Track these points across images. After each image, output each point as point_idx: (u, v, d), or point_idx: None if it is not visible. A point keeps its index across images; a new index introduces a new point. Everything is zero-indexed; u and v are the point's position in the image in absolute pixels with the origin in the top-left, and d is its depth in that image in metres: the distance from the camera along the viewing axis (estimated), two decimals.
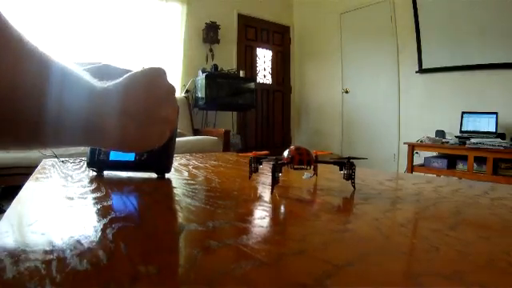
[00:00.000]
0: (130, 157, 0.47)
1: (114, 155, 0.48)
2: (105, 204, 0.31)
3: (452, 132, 3.03)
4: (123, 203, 0.33)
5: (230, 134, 3.12)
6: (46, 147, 0.31)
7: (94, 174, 0.49)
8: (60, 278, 0.16)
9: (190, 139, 2.78)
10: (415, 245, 0.22)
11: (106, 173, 0.49)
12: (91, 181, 0.44)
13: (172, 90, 0.34)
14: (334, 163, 0.42)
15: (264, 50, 4.62)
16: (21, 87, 0.20)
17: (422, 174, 2.80)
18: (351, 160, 0.40)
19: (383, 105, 3.79)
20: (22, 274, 0.16)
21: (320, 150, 0.53)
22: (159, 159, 0.47)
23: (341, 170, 0.41)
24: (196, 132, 3.33)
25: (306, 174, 0.47)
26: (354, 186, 0.39)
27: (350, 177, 0.40)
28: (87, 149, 0.48)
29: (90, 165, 0.49)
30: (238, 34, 4.27)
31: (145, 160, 0.47)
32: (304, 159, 0.39)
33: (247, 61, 4.41)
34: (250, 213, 0.30)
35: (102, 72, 0.35)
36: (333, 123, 4.33)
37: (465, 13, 3.02)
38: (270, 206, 0.32)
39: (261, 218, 0.29)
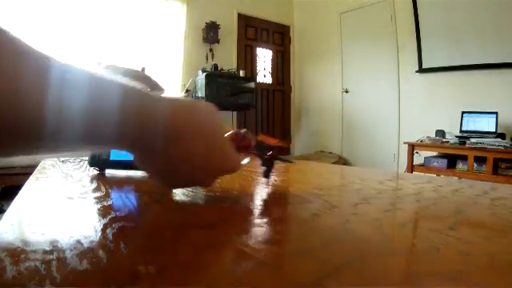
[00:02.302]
0: (131, 156, 0.47)
1: (115, 155, 0.48)
2: (105, 204, 0.31)
3: (452, 132, 3.03)
4: (123, 203, 0.33)
5: None
6: (47, 152, 0.28)
7: (95, 173, 0.49)
8: (60, 277, 0.16)
9: None
10: (415, 244, 0.22)
11: (106, 171, 0.49)
12: (91, 180, 0.44)
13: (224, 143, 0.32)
14: (258, 155, 0.38)
15: (264, 49, 4.62)
16: (21, 90, 0.19)
17: (422, 173, 2.79)
18: (277, 159, 0.37)
19: (383, 104, 3.79)
20: (21, 274, 0.16)
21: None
22: None
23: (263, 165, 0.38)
24: None
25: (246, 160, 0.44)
26: (268, 184, 0.37)
27: (266, 174, 0.37)
28: None
29: (91, 164, 0.49)
30: (237, 33, 4.27)
31: None
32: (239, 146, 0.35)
33: (247, 60, 4.41)
34: (250, 212, 0.30)
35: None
36: (333, 123, 4.32)
37: (465, 13, 3.01)
38: (269, 205, 0.32)
39: (261, 217, 0.29)
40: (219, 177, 0.33)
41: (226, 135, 0.35)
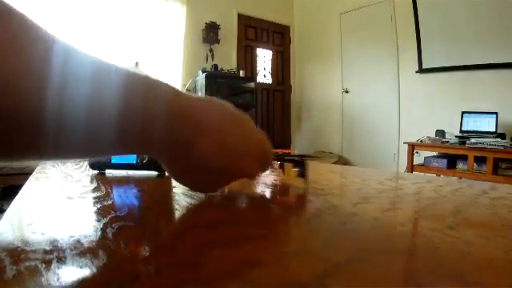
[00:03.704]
0: (132, 159, 0.48)
1: (116, 157, 0.48)
2: (105, 203, 0.31)
3: (452, 132, 3.03)
4: (123, 203, 0.33)
5: None
6: (49, 156, 0.26)
7: (95, 172, 0.49)
8: (60, 277, 0.16)
9: None
10: (415, 244, 0.22)
11: (107, 170, 0.49)
12: (91, 180, 0.44)
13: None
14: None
15: (264, 49, 4.62)
16: (23, 77, 0.17)
17: (422, 173, 2.79)
18: None
19: (383, 104, 3.79)
20: (21, 274, 0.16)
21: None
22: None
23: None
24: None
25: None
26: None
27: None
28: None
29: (91, 166, 0.49)
30: (238, 34, 4.27)
31: (147, 162, 0.47)
32: None
33: (247, 61, 4.41)
34: (250, 212, 0.30)
35: None
36: (333, 123, 4.32)
37: (465, 13, 3.02)
38: (269, 205, 0.32)
39: (261, 217, 0.29)
40: (262, 167, 0.33)
41: None
